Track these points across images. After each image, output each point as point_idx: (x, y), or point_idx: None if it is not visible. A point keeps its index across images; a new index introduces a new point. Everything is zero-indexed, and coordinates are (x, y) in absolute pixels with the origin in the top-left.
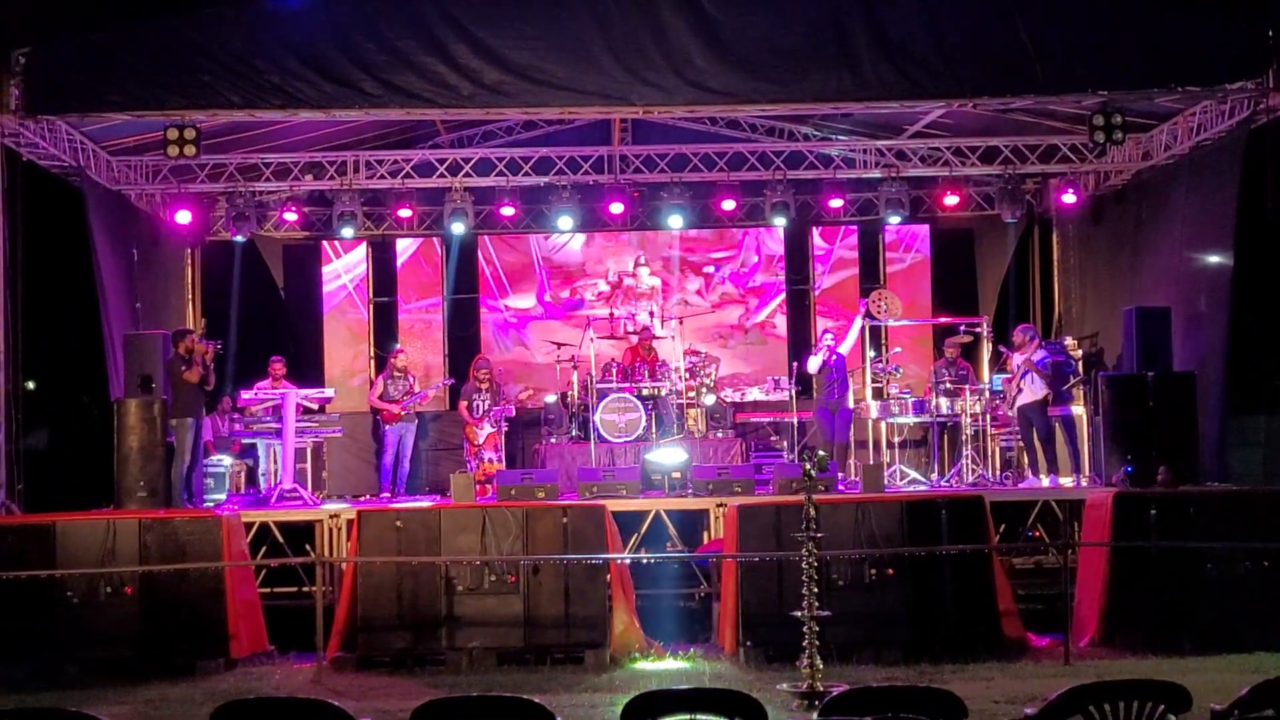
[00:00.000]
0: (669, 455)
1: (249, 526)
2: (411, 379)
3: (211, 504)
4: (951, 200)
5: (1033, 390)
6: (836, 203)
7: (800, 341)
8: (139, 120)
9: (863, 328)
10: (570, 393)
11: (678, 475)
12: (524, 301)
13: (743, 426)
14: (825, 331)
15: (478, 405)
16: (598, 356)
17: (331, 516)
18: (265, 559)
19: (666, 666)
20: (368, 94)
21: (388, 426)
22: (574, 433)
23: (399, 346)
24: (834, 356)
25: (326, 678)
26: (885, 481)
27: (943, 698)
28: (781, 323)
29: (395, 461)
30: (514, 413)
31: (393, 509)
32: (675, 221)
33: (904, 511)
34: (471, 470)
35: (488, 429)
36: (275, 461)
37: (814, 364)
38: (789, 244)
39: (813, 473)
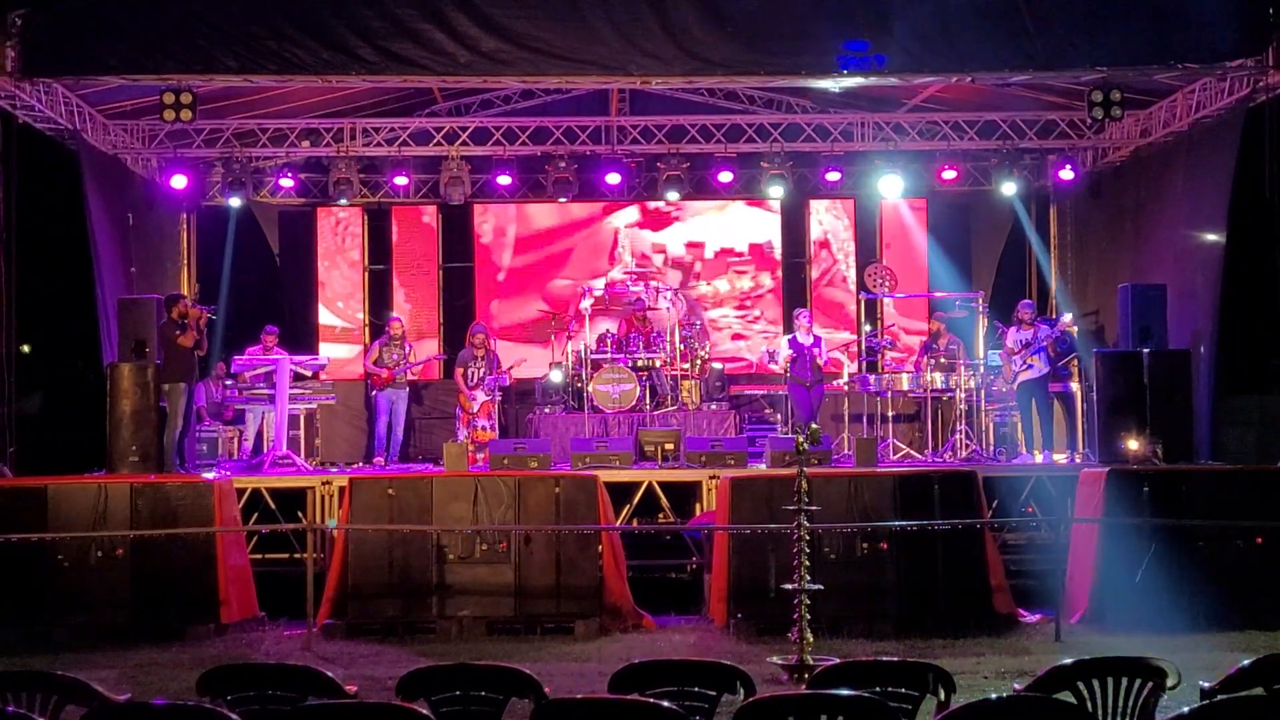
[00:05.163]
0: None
1: (241, 492)
2: (408, 347)
3: (203, 469)
4: (949, 175)
5: (1038, 366)
6: (834, 176)
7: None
8: (135, 84)
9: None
10: (565, 363)
11: (670, 447)
12: (519, 271)
13: (736, 399)
14: (799, 314)
15: (473, 373)
16: (593, 327)
17: (324, 483)
18: (257, 525)
19: (656, 638)
20: (365, 60)
21: (379, 393)
22: (568, 403)
23: (395, 315)
24: (808, 340)
25: (316, 644)
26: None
27: (932, 672)
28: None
29: (388, 429)
30: (510, 382)
31: (385, 476)
32: (672, 193)
33: (896, 486)
34: (463, 438)
35: (482, 397)
36: (268, 428)
37: (784, 350)
38: (785, 216)
39: (805, 446)
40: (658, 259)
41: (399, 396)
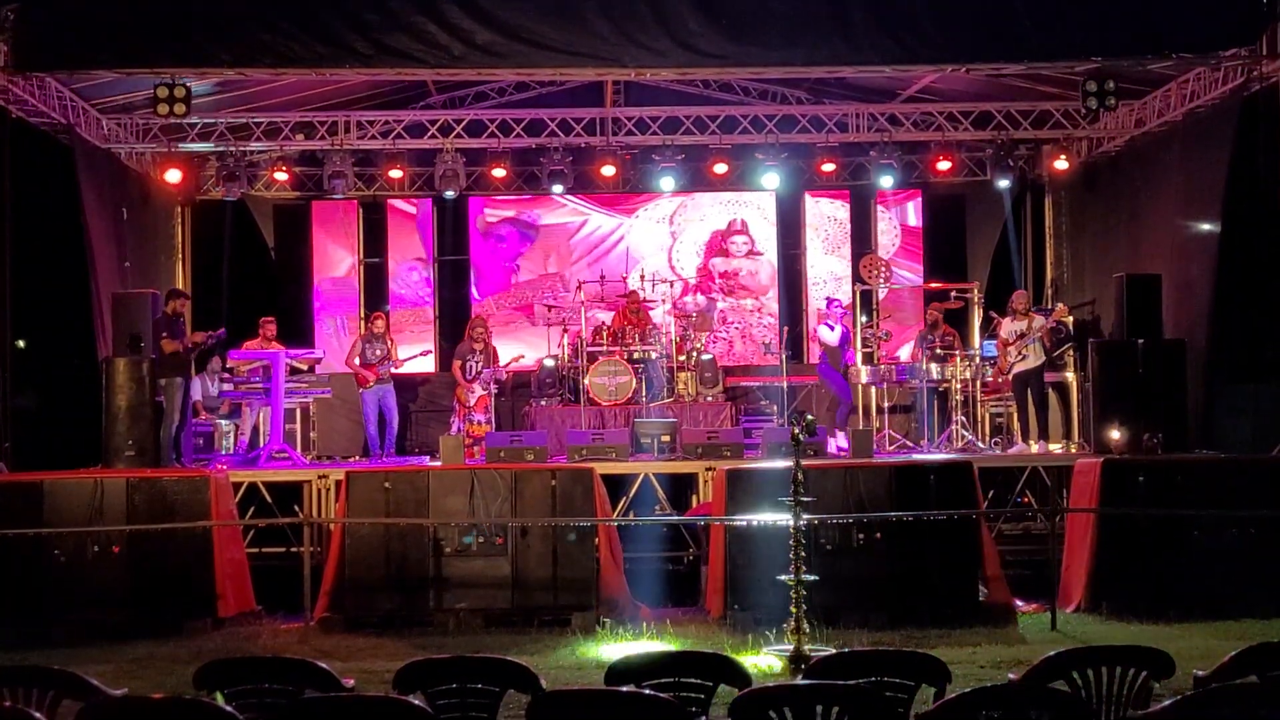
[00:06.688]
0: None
1: (237, 486)
2: (389, 343)
3: (199, 464)
4: (944, 165)
5: (1033, 356)
6: (829, 167)
7: (793, 308)
8: (129, 78)
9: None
10: (560, 354)
11: (667, 439)
12: (514, 266)
13: (732, 390)
14: (832, 303)
15: (471, 366)
16: (588, 319)
17: (320, 477)
18: (253, 519)
19: (653, 629)
20: (359, 53)
21: (365, 391)
22: (564, 395)
23: (378, 311)
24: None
25: (313, 638)
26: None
27: (928, 662)
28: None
29: (381, 424)
30: (506, 377)
31: (381, 470)
32: (667, 184)
33: (892, 477)
34: (458, 432)
35: (479, 391)
36: (264, 422)
37: (833, 336)
38: (781, 208)
39: (801, 437)
40: (659, 253)
41: (386, 392)
